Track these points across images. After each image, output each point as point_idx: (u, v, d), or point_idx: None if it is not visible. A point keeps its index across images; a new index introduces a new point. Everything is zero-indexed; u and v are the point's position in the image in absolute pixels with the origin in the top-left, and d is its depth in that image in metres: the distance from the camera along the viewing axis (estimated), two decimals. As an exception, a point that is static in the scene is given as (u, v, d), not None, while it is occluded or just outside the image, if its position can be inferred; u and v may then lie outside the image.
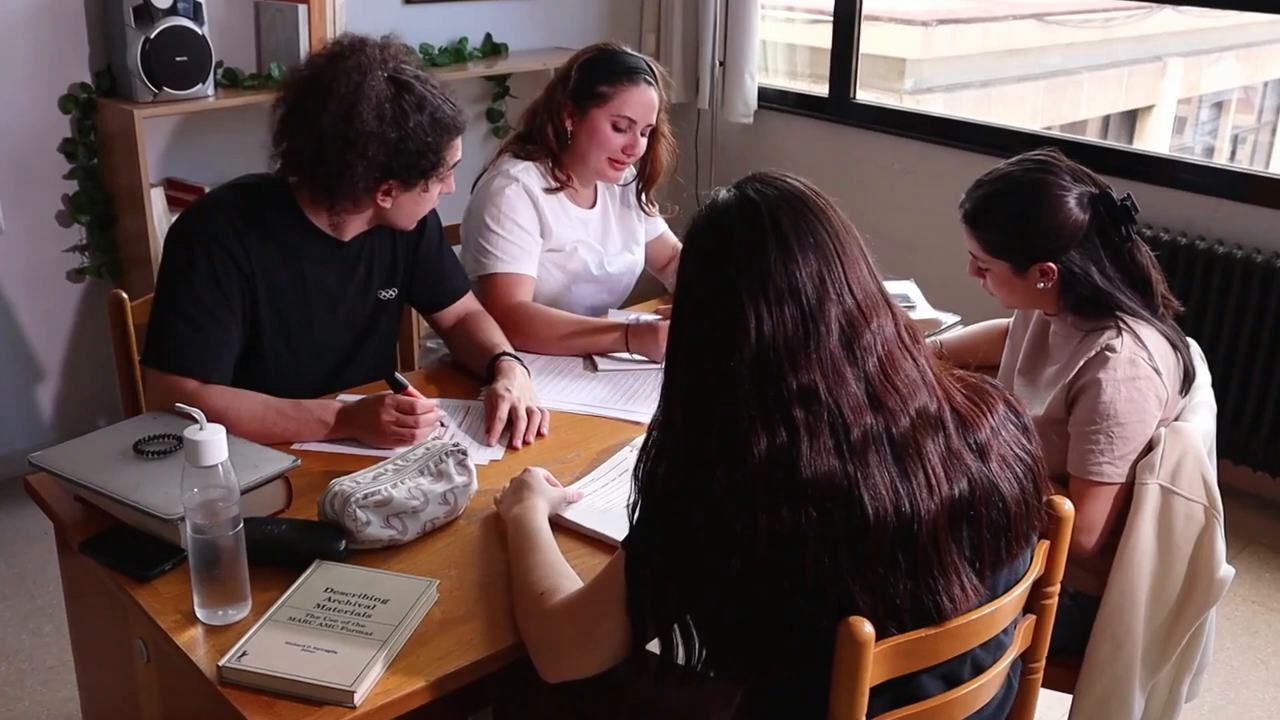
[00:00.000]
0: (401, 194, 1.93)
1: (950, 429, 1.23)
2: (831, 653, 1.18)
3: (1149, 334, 1.81)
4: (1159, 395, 1.79)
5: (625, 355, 2.27)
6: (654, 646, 1.29)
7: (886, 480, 1.18)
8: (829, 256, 1.21)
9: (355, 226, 1.99)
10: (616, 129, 2.35)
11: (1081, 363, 1.81)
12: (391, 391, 1.87)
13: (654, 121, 2.39)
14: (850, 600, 1.17)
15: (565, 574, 1.44)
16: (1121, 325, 1.80)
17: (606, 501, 1.70)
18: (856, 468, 1.17)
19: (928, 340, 2.23)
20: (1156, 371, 1.79)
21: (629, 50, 2.39)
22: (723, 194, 1.27)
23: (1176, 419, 1.84)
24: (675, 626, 1.25)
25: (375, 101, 1.84)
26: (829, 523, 1.16)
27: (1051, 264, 1.82)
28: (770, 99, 4.20)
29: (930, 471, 1.20)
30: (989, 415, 1.27)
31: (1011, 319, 2.13)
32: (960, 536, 1.22)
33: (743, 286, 1.19)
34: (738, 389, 1.18)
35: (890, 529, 1.17)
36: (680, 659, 1.27)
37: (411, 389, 1.88)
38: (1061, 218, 1.81)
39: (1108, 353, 1.78)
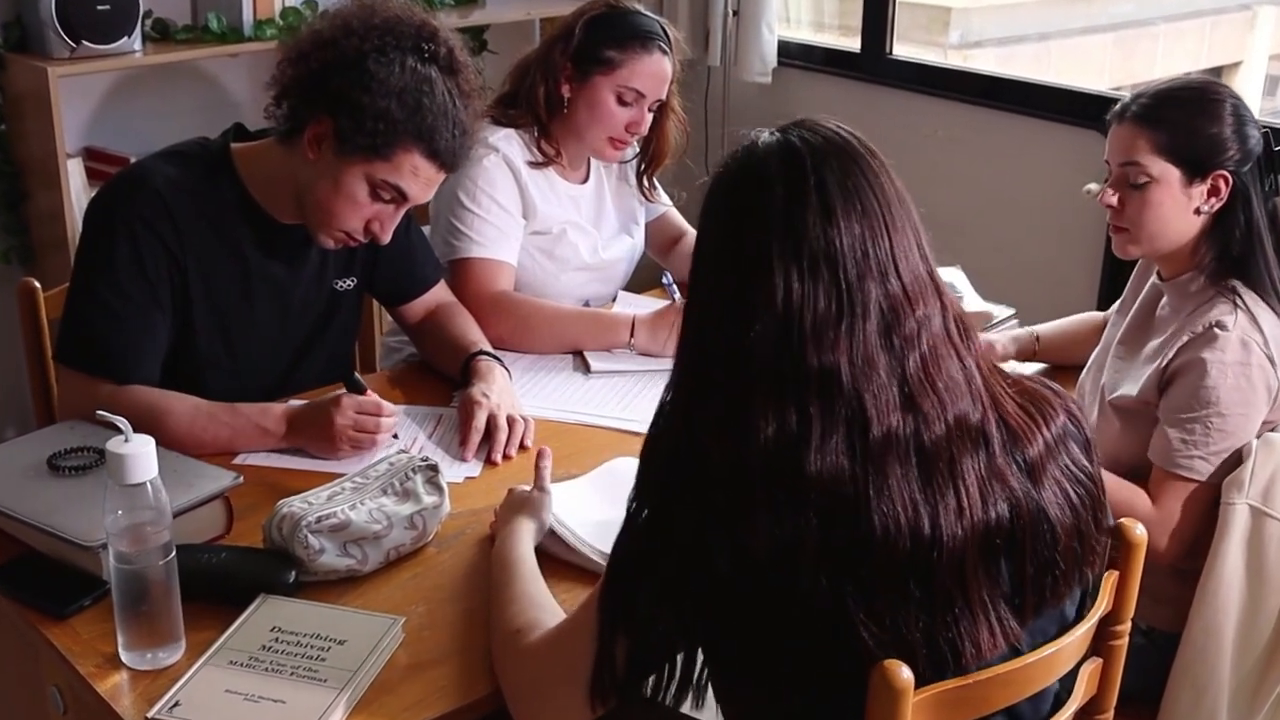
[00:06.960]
0: (330, 157, 1.84)
1: (994, 444, 1.23)
2: (832, 692, 1.19)
3: (1267, 318, 1.84)
4: (1270, 387, 1.81)
5: (624, 353, 2.27)
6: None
7: (905, 495, 1.18)
8: (875, 227, 1.21)
9: (287, 201, 1.94)
10: (621, 102, 2.35)
11: (1185, 338, 1.82)
12: (346, 393, 1.86)
13: (664, 96, 2.40)
14: (853, 631, 1.17)
15: (545, 608, 1.45)
16: (1238, 302, 1.83)
17: (604, 520, 1.69)
18: (870, 473, 1.18)
19: (1022, 333, 2.26)
20: (1271, 361, 1.81)
21: (642, 10, 2.40)
22: (764, 137, 1.28)
23: (1275, 429, 1.85)
24: (656, 645, 1.28)
25: (402, 46, 1.83)
26: (831, 533, 1.17)
27: (1227, 174, 1.85)
28: (792, 54, 4.20)
29: (963, 492, 1.20)
30: (1044, 428, 1.27)
31: (1108, 313, 2.16)
32: (996, 571, 1.22)
33: (775, 246, 1.20)
34: (751, 362, 1.19)
35: (902, 552, 1.18)
36: (650, 684, 1.30)
37: (372, 393, 1.88)
38: (1243, 125, 1.87)
39: (1217, 329, 1.80)
